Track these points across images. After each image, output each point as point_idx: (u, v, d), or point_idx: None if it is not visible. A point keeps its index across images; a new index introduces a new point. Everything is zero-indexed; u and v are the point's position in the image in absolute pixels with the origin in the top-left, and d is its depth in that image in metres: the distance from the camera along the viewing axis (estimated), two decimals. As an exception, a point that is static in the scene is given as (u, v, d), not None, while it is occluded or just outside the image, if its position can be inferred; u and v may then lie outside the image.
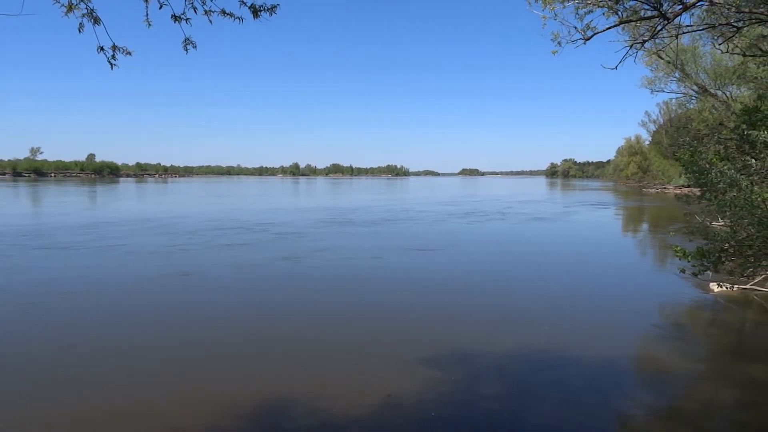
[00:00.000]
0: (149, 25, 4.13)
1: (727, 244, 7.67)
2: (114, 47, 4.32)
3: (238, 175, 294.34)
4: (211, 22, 4.24)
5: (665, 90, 33.16)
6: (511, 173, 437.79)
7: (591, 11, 7.31)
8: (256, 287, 13.48)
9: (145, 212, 36.23)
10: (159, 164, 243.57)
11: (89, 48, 4.43)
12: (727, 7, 9.10)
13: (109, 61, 4.40)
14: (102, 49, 4.37)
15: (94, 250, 18.70)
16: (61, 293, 12.31)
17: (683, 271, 8.51)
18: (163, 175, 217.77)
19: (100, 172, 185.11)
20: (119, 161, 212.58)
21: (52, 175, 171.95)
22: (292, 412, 6.58)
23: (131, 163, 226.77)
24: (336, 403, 6.78)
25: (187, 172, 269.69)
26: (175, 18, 4.24)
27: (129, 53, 4.35)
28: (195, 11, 4.31)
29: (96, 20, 4.15)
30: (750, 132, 7.25)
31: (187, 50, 4.41)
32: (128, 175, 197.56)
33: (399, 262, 17.15)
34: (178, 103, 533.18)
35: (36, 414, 6.48)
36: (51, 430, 6.18)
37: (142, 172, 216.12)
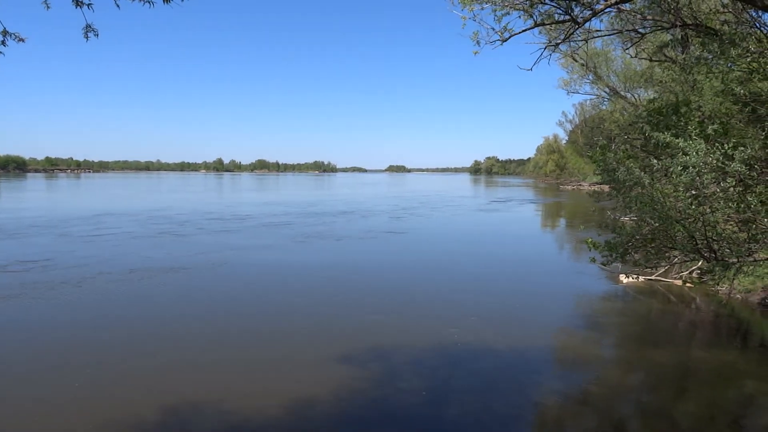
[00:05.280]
0: (47, 7, 3.83)
1: (633, 238, 8.15)
2: (5, 32, 3.99)
3: (157, 170, 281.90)
4: (118, 6, 4.00)
5: (580, 91, 34.87)
6: (437, 170, 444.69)
7: (508, 14, 7.53)
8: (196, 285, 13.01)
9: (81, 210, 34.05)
10: (71, 159, 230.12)
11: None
12: (633, 14, 9.68)
13: None
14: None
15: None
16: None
17: (593, 261, 8.99)
18: (76, 170, 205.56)
19: (5, 167, 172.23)
20: (26, 155, 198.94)
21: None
22: (200, 417, 6.34)
23: (40, 157, 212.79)
24: (250, 403, 6.66)
25: (102, 167, 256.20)
26: (77, 3, 3.96)
27: (21, 40, 4.04)
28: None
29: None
30: (652, 134, 7.72)
31: (87, 38, 4.14)
32: (37, 171, 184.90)
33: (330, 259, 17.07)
34: (87, 91, 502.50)
35: None
36: None
37: (52, 167, 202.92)
